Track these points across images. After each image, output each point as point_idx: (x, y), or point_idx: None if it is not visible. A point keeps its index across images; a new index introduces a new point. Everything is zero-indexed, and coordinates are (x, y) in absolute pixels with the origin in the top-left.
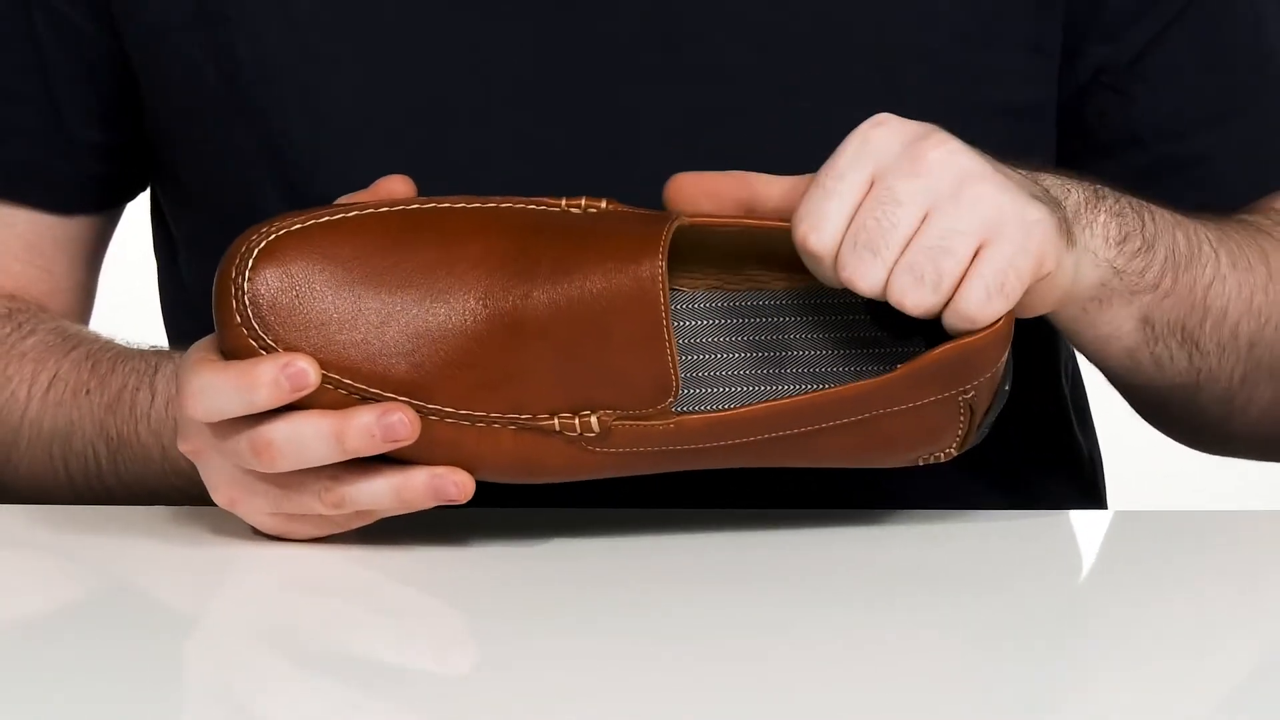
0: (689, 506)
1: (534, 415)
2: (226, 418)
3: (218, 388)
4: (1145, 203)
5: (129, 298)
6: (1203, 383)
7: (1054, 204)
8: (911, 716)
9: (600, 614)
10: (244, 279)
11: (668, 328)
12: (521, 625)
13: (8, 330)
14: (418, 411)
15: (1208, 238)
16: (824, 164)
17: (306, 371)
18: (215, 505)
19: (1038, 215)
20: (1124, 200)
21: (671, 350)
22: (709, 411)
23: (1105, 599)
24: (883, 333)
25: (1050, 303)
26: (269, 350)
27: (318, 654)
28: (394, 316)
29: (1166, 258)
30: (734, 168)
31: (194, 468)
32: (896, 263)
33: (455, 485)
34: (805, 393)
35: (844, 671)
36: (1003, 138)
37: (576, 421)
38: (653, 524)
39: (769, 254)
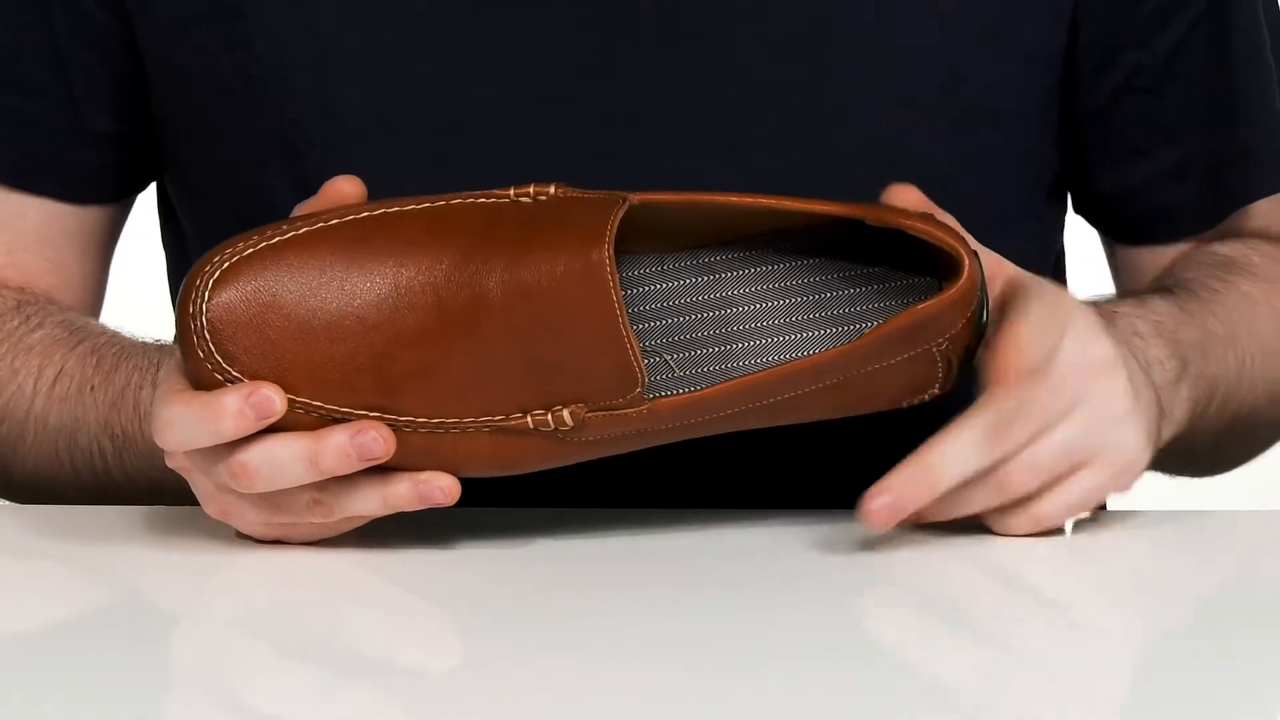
0: (683, 507)
1: (506, 415)
2: (196, 448)
3: (185, 420)
4: (1214, 326)
5: (137, 289)
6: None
7: (1157, 430)
8: (907, 717)
9: (589, 613)
10: (201, 310)
11: (622, 319)
12: (511, 623)
13: (16, 323)
14: (390, 426)
15: (1249, 350)
16: (1044, 360)
17: (272, 399)
18: None
19: (1145, 456)
20: (1201, 359)
21: (630, 341)
22: (680, 394)
23: (1105, 598)
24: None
25: None
26: (232, 381)
27: (316, 653)
28: (353, 333)
29: (1222, 399)
30: (753, 169)
31: None
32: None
33: (440, 490)
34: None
35: (839, 673)
36: (1011, 143)
37: (549, 417)
38: (643, 523)
39: (722, 229)
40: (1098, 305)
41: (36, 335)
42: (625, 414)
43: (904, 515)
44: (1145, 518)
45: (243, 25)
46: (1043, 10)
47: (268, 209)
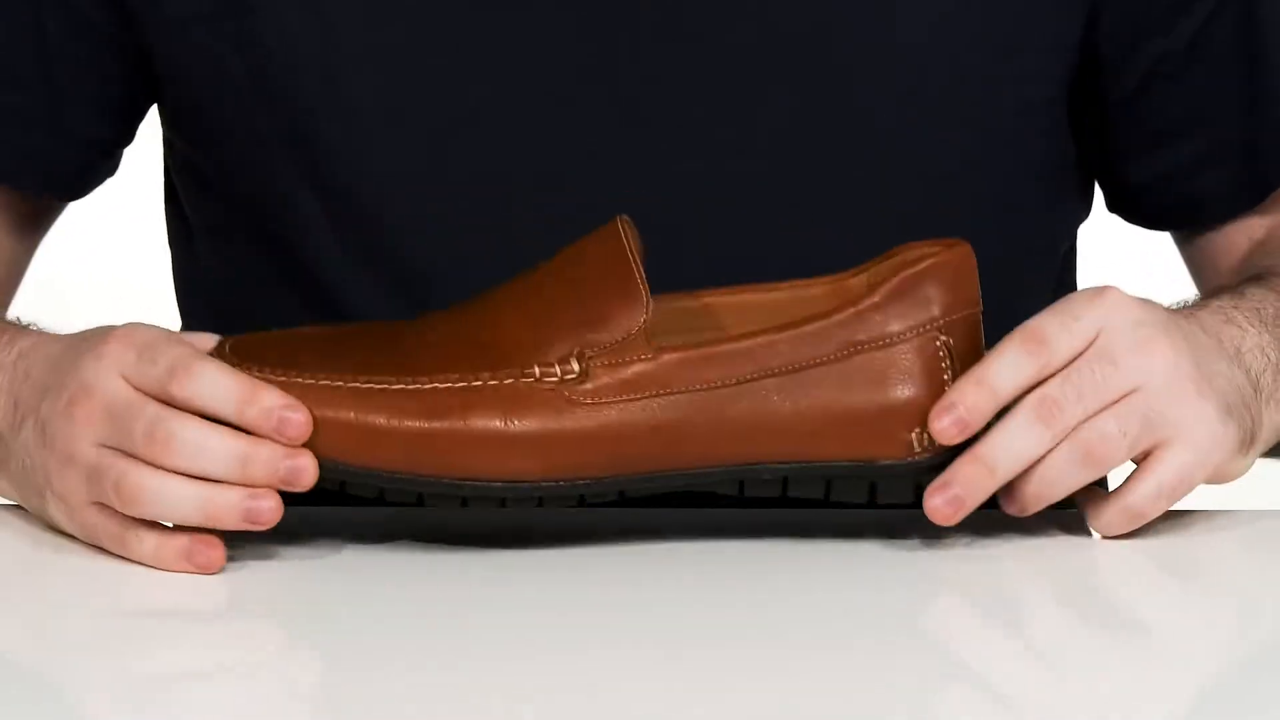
0: (680, 506)
1: (520, 369)
2: (216, 410)
3: (220, 379)
4: None
5: (145, 283)
6: None
7: (1245, 410)
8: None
9: (584, 615)
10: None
11: (634, 258)
12: (504, 624)
13: None
14: (402, 387)
15: None
16: (1060, 302)
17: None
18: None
19: (1226, 431)
20: None
21: (639, 273)
22: (688, 346)
23: (1105, 598)
24: None
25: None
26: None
27: (316, 652)
28: (364, 354)
29: None
30: (754, 168)
31: None
32: (1065, 438)
33: (267, 509)
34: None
35: (837, 674)
36: (1018, 136)
37: (557, 368)
38: (640, 527)
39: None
40: (1187, 303)
41: None
42: (633, 360)
43: (968, 506)
44: (1193, 518)
45: (252, 21)
46: (1050, 4)
47: (280, 201)
